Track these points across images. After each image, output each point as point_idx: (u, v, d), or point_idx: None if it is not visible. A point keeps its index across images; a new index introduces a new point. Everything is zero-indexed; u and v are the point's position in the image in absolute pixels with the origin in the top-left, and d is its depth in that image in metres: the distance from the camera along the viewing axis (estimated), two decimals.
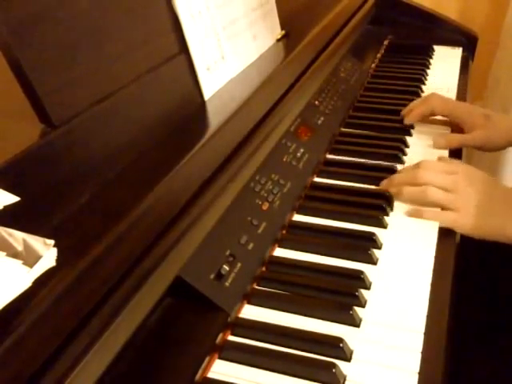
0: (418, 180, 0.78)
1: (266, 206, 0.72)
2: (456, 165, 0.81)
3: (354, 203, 0.79)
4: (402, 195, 0.78)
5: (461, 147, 0.96)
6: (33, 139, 0.47)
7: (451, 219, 0.74)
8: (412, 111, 1.01)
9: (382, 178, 0.83)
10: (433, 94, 1.02)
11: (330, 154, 0.94)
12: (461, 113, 0.98)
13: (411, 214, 0.77)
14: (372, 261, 0.68)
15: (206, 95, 0.70)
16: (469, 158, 0.88)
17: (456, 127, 1.00)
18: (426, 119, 1.03)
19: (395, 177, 0.82)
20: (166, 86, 0.64)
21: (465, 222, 0.74)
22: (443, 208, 0.76)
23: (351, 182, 0.85)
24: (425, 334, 0.58)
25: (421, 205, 0.77)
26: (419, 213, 0.76)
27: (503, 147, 0.97)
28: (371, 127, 1.02)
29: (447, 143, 0.95)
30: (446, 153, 0.94)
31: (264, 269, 0.67)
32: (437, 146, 0.95)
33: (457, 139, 0.96)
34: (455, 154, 0.95)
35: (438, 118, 1.03)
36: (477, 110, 0.98)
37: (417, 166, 0.81)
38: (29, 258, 0.37)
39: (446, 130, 1.02)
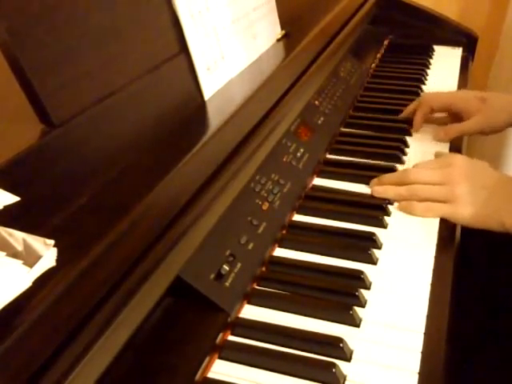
0: (408, 178, 0.78)
1: (265, 206, 0.72)
2: (450, 157, 0.81)
3: (354, 203, 0.79)
4: (387, 195, 0.78)
5: (461, 136, 0.96)
6: (33, 139, 0.47)
7: (446, 211, 0.74)
8: (414, 119, 1.01)
9: None
10: (424, 94, 1.03)
11: (330, 154, 0.94)
12: (456, 101, 0.98)
13: (401, 208, 0.76)
14: (372, 261, 0.68)
15: (206, 95, 0.70)
16: (470, 156, 0.88)
17: (456, 118, 1.00)
18: (429, 119, 1.03)
19: (384, 176, 0.82)
20: (166, 86, 0.64)
21: (462, 211, 0.73)
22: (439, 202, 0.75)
23: (351, 182, 0.85)
24: (425, 334, 0.58)
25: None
26: (409, 206, 0.76)
27: (503, 127, 0.96)
28: (371, 127, 1.02)
29: (446, 135, 0.95)
30: (446, 148, 0.95)
31: (264, 269, 0.67)
32: (437, 140, 0.95)
33: (455, 129, 0.96)
34: (455, 150, 0.95)
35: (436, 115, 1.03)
36: (471, 95, 0.97)
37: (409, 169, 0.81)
38: (29, 258, 0.37)
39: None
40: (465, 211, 0.73)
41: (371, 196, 0.81)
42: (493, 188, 0.74)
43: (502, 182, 0.76)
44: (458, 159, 0.79)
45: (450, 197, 0.74)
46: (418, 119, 1.00)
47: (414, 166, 0.82)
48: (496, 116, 0.94)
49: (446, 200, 0.75)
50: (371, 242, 0.71)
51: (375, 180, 0.82)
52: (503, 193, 0.74)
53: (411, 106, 1.04)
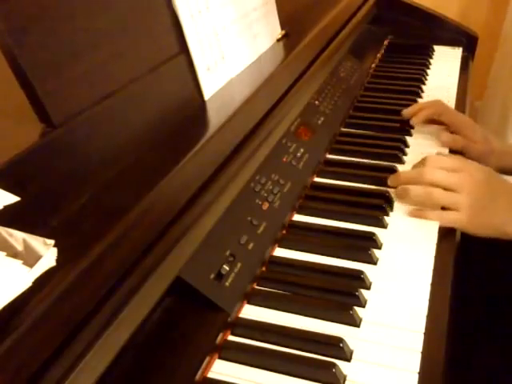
0: (424, 178, 0.78)
1: (265, 206, 0.72)
2: (460, 161, 0.81)
3: (354, 203, 0.79)
4: (408, 197, 0.78)
5: (462, 150, 0.97)
6: (33, 139, 0.47)
7: (455, 219, 0.75)
8: (421, 112, 1.01)
9: (382, 178, 0.83)
10: (439, 101, 1.03)
11: (330, 154, 0.94)
12: (462, 124, 0.99)
13: (414, 215, 0.77)
14: (372, 261, 0.68)
15: (206, 95, 0.70)
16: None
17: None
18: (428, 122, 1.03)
19: (401, 174, 0.82)
20: (165, 86, 0.64)
21: (468, 220, 0.74)
22: (446, 207, 0.76)
23: (351, 182, 0.85)
24: (425, 334, 0.58)
25: (425, 205, 0.77)
26: (423, 214, 0.76)
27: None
28: (371, 127, 1.02)
29: (452, 142, 0.96)
30: (446, 150, 0.95)
31: (264, 269, 0.67)
32: (442, 140, 0.96)
33: (462, 141, 0.96)
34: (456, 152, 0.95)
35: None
36: (479, 129, 0.99)
37: (422, 162, 0.81)
38: (29, 258, 0.37)
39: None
40: (471, 220, 0.74)
41: (371, 196, 0.81)
42: (499, 196, 0.75)
43: (508, 191, 0.77)
44: (468, 166, 0.79)
45: (460, 205, 0.75)
46: (423, 113, 1.00)
47: (423, 159, 0.82)
48: (492, 157, 0.96)
49: (455, 206, 0.75)
50: (371, 241, 0.71)
51: (393, 177, 0.82)
52: (509, 201, 0.75)
53: (419, 105, 1.04)
